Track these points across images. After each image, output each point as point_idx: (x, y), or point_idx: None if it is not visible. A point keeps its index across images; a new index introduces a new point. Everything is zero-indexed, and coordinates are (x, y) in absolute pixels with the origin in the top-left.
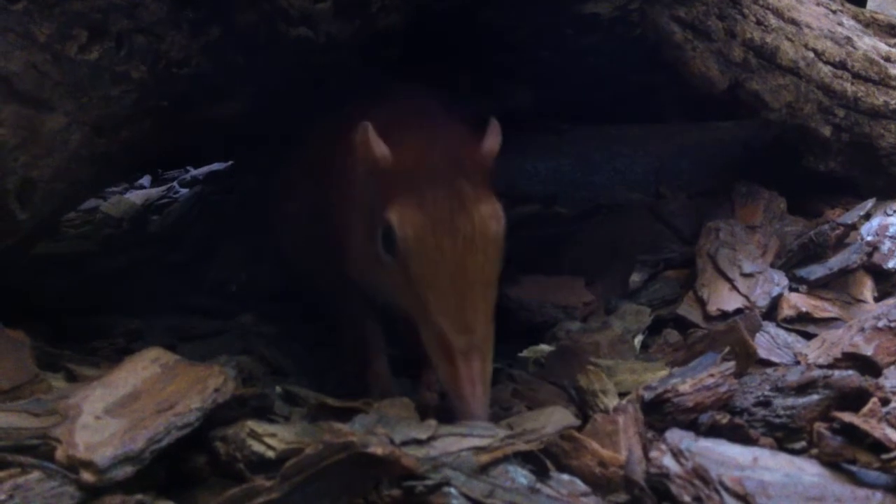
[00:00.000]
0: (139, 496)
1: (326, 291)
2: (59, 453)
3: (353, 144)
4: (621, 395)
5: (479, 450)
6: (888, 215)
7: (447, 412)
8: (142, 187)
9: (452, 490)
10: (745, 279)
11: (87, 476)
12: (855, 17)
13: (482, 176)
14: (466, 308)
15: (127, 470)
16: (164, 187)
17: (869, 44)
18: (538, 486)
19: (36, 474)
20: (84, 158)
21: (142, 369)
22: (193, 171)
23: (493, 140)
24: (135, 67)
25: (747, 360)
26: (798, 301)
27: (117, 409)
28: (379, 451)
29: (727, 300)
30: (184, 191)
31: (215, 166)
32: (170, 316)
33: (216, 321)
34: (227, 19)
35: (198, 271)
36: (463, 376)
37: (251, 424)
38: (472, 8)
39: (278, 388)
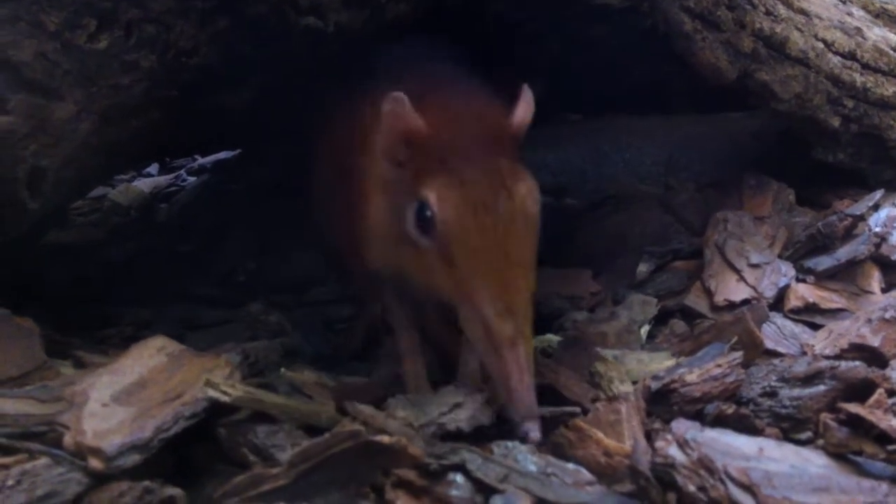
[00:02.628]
0: (146, 483)
1: (356, 275)
2: (67, 440)
3: (378, 115)
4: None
5: None
6: None
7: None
8: (149, 175)
9: (458, 478)
10: (752, 270)
11: (94, 463)
12: (864, 8)
13: (515, 149)
14: (510, 292)
15: (135, 458)
16: (171, 175)
17: (878, 34)
18: (549, 470)
19: (43, 461)
20: (93, 147)
21: (147, 357)
22: (201, 160)
23: (525, 110)
24: (144, 57)
25: (754, 351)
26: (805, 292)
27: (124, 396)
28: (386, 439)
29: (734, 291)
30: (191, 179)
31: (223, 155)
32: (178, 305)
33: (224, 310)
34: (235, 9)
35: (206, 260)
36: (511, 369)
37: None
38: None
39: (283, 370)
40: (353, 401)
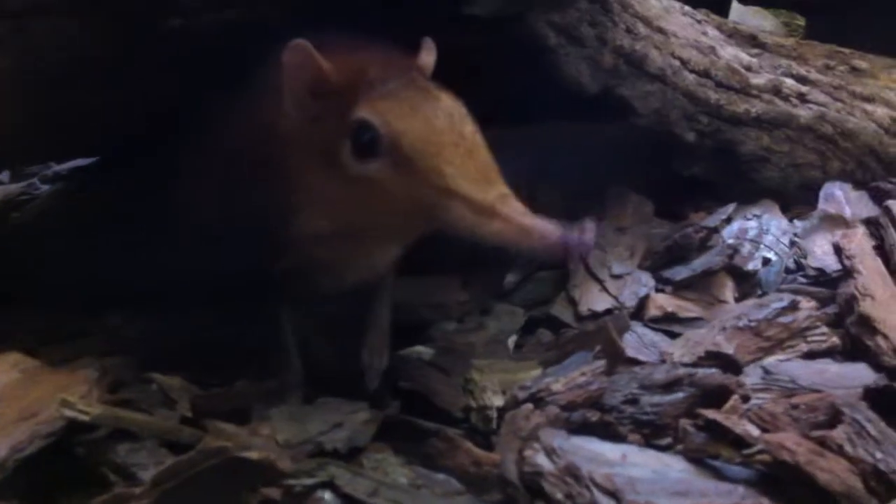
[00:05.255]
0: None
1: (244, 286)
2: None
3: (281, 78)
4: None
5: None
6: (748, 219)
7: None
8: (0, 183)
9: (326, 496)
10: (614, 280)
11: None
12: (718, 28)
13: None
14: (481, 167)
15: None
16: (24, 183)
17: (731, 53)
18: (419, 482)
19: None
20: None
21: (1, 374)
22: (56, 167)
23: (428, 55)
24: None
25: (616, 359)
26: (664, 301)
27: None
28: (254, 455)
29: (597, 301)
30: (45, 187)
31: (80, 162)
32: (31, 317)
33: (81, 322)
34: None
35: (61, 269)
36: (516, 217)
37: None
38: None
39: (155, 382)
40: (213, 411)
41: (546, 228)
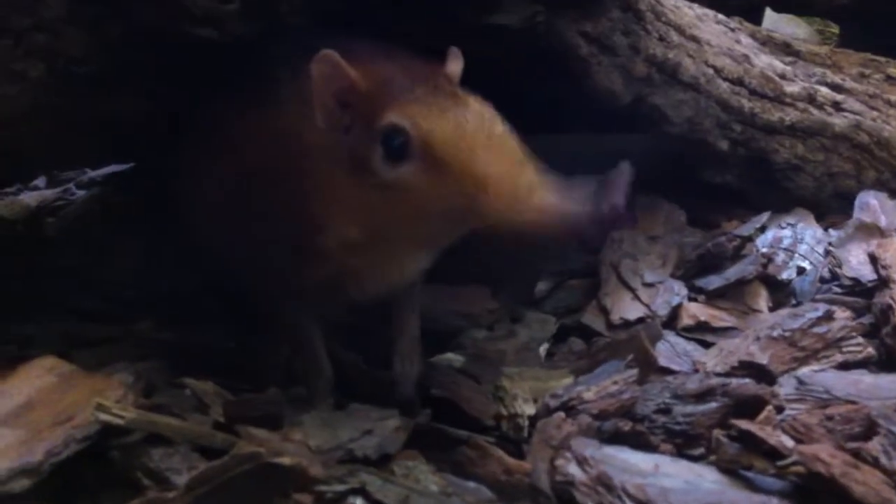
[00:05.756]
0: None
1: (268, 297)
2: None
3: (310, 85)
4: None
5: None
6: (782, 228)
7: None
8: (37, 188)
9: (357, 502)
10: (646, 289)
11: None
12: (752, 36)
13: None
14: (513, 158)
15: (24, 482)
16: (60, 189)
17: (765, 61)
18: (450, 490)
19: None
20: None
21: (36, 378)
22: (91, 173)
23: (455, 64)
24: (32, 66)
25: (648, 368)
26: (696, 310)
27: (12, 419)
28: (286, 461)
29: (629, 309)
30: (81, 192)
31: (115, 167)
32: (64, 321)
33: (112, 327)
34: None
35: (93, 275)
36: (547, 203)
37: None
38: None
39: (189, 387)
40: (245, 416)
41: (581, 209)
